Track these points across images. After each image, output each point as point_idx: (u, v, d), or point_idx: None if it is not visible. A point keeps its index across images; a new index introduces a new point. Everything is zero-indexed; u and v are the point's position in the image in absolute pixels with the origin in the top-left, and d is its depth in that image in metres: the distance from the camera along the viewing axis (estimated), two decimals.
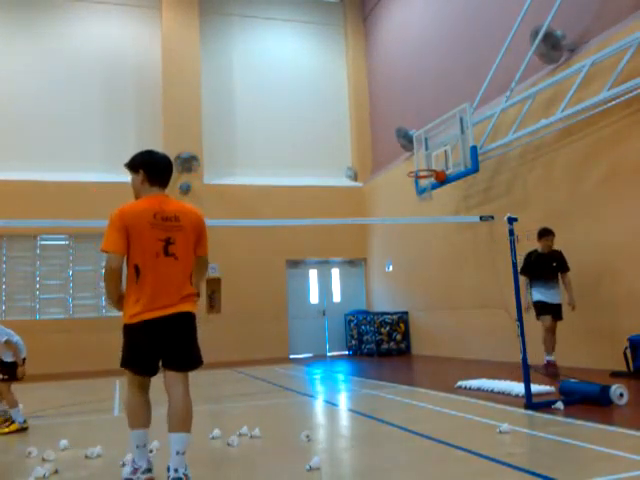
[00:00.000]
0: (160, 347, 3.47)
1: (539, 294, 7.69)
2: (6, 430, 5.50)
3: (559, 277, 7.75)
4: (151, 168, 3.77)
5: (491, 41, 10.53)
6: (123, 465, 3.73)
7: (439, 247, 11.93)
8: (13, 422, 5.57)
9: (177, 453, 3.31)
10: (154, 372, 3.55)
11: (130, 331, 3.50)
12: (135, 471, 3.50)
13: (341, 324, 14.69)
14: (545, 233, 7.78)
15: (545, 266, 7.71)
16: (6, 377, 5.67)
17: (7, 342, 5.75)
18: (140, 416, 3.51)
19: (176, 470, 3.28)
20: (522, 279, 7.46)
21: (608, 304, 7.72)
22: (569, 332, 8.29)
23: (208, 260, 3.86)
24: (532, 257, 7.79)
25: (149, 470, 3.49)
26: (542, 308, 7.65)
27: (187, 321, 3.55)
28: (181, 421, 3.38)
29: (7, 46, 13.62)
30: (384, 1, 15.05)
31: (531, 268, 7.76)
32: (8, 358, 5.76)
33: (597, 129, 8.10)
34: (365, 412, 5.78)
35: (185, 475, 3.30)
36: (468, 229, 10.84)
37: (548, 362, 7.53)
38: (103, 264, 3.56)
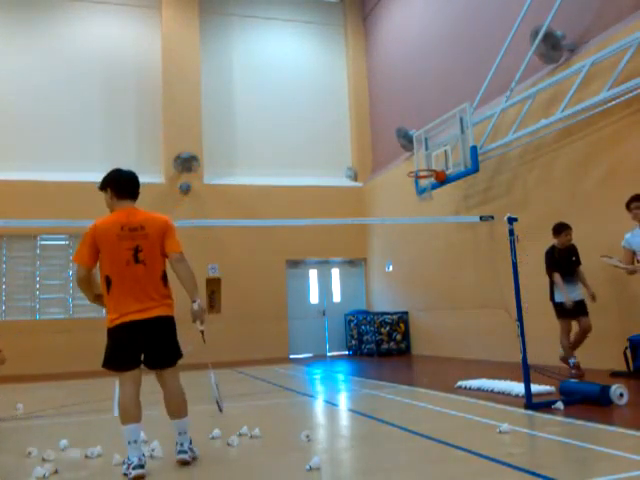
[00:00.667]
0: (138, 346, 3.83)
1: (560, 295, 7.44)
2: None
3: (577, 271, 7.55)
4: (115, 184, 4.06)
5: (491, 41, 10.53)
6: (124, 463, 3.74)
7: (439, 247, 11.93)
8: None
9: (179, 433, 3.94)
10: (135, 365, 3.83)
11: (110, 334, 3.86)
12: (128, 467, 3.62)
13: (341, 324, 14.69)
14: (564, 227, 7.50)
15: (567, 262, 7.47)
16: None
17: None
18: (130, 411, 3.73)
19: (182, 444, 3.91)
20: (557, 276, 7.34)
21: (608, 304, 7.72)
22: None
23: (184, 257, 4.00)
24: (555, 253, 7.51)
25: (140, 466, 3.60)
26: (565, 311, 7.38)
27: (162, 325, 3.90)
28: (177, 409, 3.94)
29: (7, 46, 13.62)
30: (384, 1, 15.05)
31: (557, 265, 7.47)
32: None
33: (597, 129, 8.10)
34: (365, 412, 5.77)
35: (190, 449, 3.93)
36: (468, 229, 10.85)
37: (573, 365, 7.34)
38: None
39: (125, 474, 3.61)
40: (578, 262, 7.57)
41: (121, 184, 4.06)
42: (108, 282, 3.82)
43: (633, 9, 7.73)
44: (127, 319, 3.78)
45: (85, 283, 3.91)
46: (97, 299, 3.98)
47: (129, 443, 3.66)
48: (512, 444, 4.15)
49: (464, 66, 11.51)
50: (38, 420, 6.11)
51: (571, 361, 7.40)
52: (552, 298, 7.59)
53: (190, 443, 3.96)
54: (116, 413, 6.42)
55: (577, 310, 7.34)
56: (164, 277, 3.95)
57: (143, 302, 3.81)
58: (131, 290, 3.81)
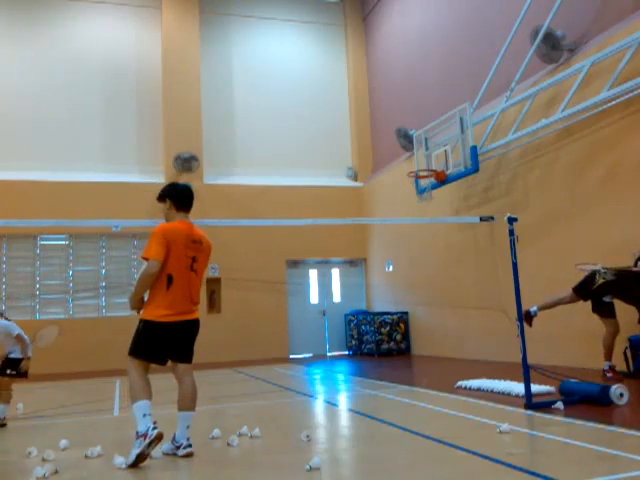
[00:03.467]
0: (175, 345, 4.26)
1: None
2: None
3: None
4: (176, 197, 4.46)
5: (491, 41, 10.53)
6: (138, 437, 3.90)
7: (439, 247, 11.93)
8: None
9: (187, 427, 4.19)
10: (165, 361, 4.31)
11: (154, 328, 4.18)
12: (144, 437, 3.87)
13: (341, 324, 14.69)
14: None
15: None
16: (14, 373, 5.98)
17: (18, 336, 6.13)
18: (147, 390, 4.12)
19: (188, 439, 4.15)
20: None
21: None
22: (569, 332, 8.30)
23: None
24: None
25: (155, 427, 3.92)
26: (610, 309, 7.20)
27: (197, 326, 4.40)
28: (191, 401, 4.24)
29: (7, 46, 13.62)
30: (384, 1, 15.05)
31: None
32: (15, 354, 6.08)
33: (597, 129, 8.10)
34: (365, 412, 5.77)
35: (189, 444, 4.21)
36: (468, 229, 10.84)
37: (610, 367, 7.09)
38: (142, 268, 4.19)
39: (141, 447, 3.85)
40: None
41: (182, 198, 4.45)
42: (170, 280, 4.19)
43: (633, 9, 7.73)
44: (182, 318, 4.22)
45: (153, 279, 4.15)
46: (141, 300, 4.30)
47: (144, 415, 3.96)
48: (512, 444, 4.15)
49: (464, 66, 11.51)
50: (38, 420, 6.11)
51: (607, 363, 7.12)
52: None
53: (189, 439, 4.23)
54: (116, 413, 6.43)
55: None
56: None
57: (191, 305, 4.30)
58: (186, 292, 4.26)
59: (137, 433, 3.92)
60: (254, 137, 14.89)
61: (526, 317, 6.89)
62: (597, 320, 7.35)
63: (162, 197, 4.49)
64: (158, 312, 4.17)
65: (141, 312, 4.29)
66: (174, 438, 4.19)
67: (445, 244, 11.69)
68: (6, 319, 6.35)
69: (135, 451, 3.84)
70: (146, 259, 4.15)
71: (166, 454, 4.20)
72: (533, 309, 7.06)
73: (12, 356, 6.08)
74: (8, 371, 5.95)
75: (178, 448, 4.13)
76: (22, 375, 6.07)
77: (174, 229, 4.29)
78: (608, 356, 7.13)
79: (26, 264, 13.08)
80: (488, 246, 10.12)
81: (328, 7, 16.19)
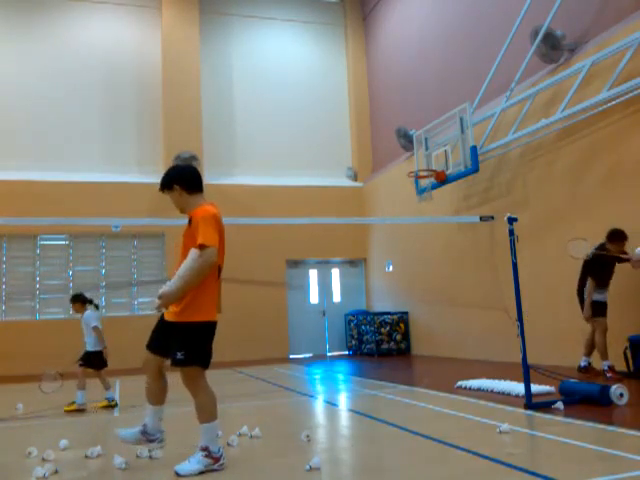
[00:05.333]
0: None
1: (599, 294, 7.31)
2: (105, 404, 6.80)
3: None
4: (185, 180, 3.93)
5: (491, 41, 10.53)
6: (209, 455, 3.73)
7: (439, 247, 11.93)
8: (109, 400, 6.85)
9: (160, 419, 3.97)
10: None
11: (210, 329, 3.75)
12: (216, 460, 3.68)
13: (341, 324, 14.69)
14: (623, 238, 7.12)
15: (612, 269, 7.28)
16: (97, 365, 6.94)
17: (95, 328, 6.83)
18: (217, 407, 3.79)
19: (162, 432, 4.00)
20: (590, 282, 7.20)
21: (608, 304, 7.71)
22: (569, 332, 8.30)
23: None
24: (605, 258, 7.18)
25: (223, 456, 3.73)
26: (601, 308, 7.31)
27: None
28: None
29: (7, 46, 13.62)
30: (384, 1, 15.05)
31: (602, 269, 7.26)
32: (91, 347, 6.87)
33: (597, 129, 8.10)
34: (365, 412, 5.77)
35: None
36: (468, 229, 10.84)
37: (609, 367, 7.10)
38: (195, 257, 3.57)
39: (206, 467, 3.65)
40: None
41: (192, 178, 3.95)
42: (219, 272, 3.78)
43: (633, 9, 7.73)
44: (216, 316, 3.79)
45: (211, 269, 3.63)
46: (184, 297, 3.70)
47: (217, 436, 3.78)
48: (512, 444, 4.15)
49: (464, 66, 11.51)
50: (38, 420, 6.11)
51: (606, 363, 7.14)
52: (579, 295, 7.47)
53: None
54: (116, 413, 6.42)
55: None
56: None
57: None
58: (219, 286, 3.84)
59: (204, 448, 3.65)
60: (254, 137, 14.89)
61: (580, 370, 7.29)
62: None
63: (169, 184, 3.89)
64: (213, 311, 3.73)
65: (183, 312, 3.66)
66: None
67: (445, 244, 11.69)
68: (96, 307, 7.08)
69: (199, 467, 3.62)
70: (204, 247, 3.55)
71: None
72: (583, 363, 7.26)
73: (92, 350, 6.90)
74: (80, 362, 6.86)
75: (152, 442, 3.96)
76: (105, 364, 7.01)
77: (219, 212, 3.78)
78: (606, 355, 7.16)
79: (26, 264, 13.07)
80: (488, 246, 10.12)
81: (328, 7, 16.19)
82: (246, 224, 13.15)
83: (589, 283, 7.27)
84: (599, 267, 7.23)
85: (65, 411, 6.49)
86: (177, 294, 3.58)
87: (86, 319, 6.94)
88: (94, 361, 6.93)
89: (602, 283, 7.31)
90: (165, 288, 3.58)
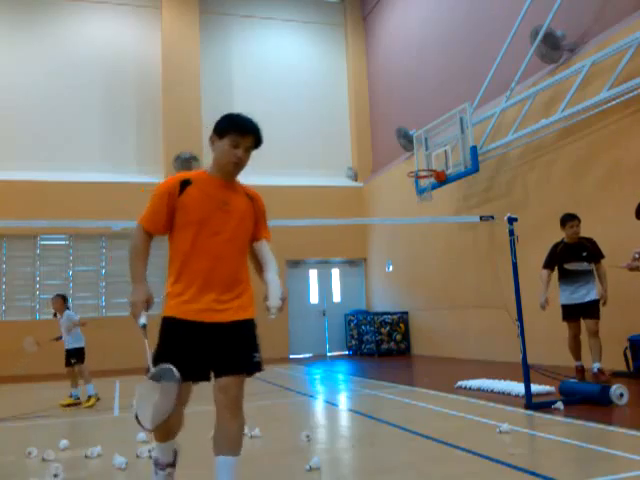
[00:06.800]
0: None
1: (563, 296, 6.97)
2: (90, 403, 6.99)
3: (593, 270, 6.88)
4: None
5: (491, 41, 10.53)
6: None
7: (439, 247, 11.93)
8: (90, 397, 7.05)
9: None
10: None
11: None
12: None
13: (341, 324, 14.69)
14: (569, 218, 6.87)
15: (573, 258, 6.85)
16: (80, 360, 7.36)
17: (81, 319, 7.48)
18: None
19: None
20: (544, 273, 6.89)
21: (608, 304, 7.70)
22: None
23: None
24: (558, 248, 6.96)
25: None
26: (566, 313, 7.00)
27: None
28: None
29: (7, 46, 13.62)
30: (384, 1, 15.05)
31: (557, 261, 6.93)
32: (72, 345, 7.38)
33: (597, 129, 8.10)
34: (365, 412, 5.77)
35: None
36: (468, 229, 10.84)
37: (598, 370, 6.74)
38: (269, 248, 3.23)
39: None
40: (593, 258, 6.89)
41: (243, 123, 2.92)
42: None
43: (633, 9, 7.73)
44: None
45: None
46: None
47: None
48: (512, 444, 4.15)
49: (464, 66, 11.51)
50: (38, 420, 6.11)
51: (595, 366, 6.82)
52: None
53: None
54: (116, 413, 6.43)
55: (582, 312, 6.87)
56: None
57: None
58: None
59: None
60: None
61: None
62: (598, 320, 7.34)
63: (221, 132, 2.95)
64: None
65: (250, 306, 3.08)
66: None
67: (445, 244, 11.69)
68: (67, 308, 7.54)
69: None
70: (268, 239, 3.10)
71: None
72: (596, 365, 6.84)
73: (76, 347, 7.38)
74: (73, 361, 7.30)
75: None
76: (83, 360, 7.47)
77: None
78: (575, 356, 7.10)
79: (26, 264, 13.07)
80: (488, 246, 10.12)
81: (328, 7, 16.19)
82: None
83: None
84: (558, 260, 7.00)
85: (85, 407, 6.96)
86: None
87: (69, 316, 7.42)
88: (78, 357, 7.40)
89: (565, 275, 6.93)
90: (282, 288, 3.11)
